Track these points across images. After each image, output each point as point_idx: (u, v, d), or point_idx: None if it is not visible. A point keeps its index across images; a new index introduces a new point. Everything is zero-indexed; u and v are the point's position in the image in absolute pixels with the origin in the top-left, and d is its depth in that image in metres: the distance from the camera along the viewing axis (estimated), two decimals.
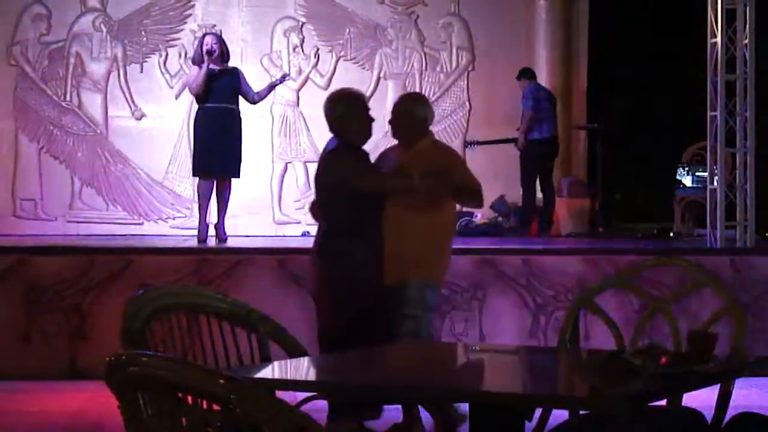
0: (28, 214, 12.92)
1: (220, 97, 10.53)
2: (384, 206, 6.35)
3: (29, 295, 9.03)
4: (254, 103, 10.85)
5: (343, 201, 6.31)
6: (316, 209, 6.56)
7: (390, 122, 6.57)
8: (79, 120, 12.97)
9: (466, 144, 13.05)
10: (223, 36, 12.95)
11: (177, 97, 12.84)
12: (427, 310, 6.37)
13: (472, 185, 6.45)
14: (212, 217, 11.06)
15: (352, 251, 6.26)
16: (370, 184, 6.34)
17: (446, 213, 6.53)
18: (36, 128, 12.98)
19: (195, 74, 10.64)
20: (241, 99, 10.70)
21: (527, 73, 12.57)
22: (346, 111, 6.47)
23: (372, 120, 6.53)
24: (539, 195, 12.44)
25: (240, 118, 10.63)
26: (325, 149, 6.60)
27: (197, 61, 10.67)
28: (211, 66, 10.53)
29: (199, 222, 10.80)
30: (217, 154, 10.53)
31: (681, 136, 12.68)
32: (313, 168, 12.77)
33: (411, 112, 6.54)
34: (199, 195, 10.88)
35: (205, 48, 10.59)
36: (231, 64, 10.89)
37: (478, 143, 12.89)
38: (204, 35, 11.05)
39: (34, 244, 10.19)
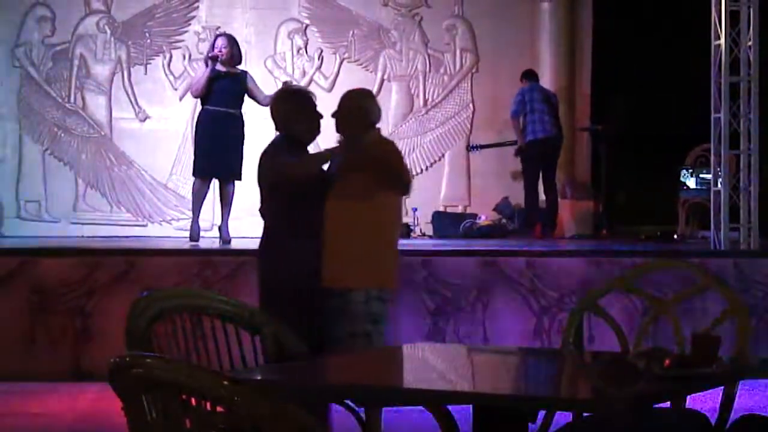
0: (32, 216, 12.93)
1: (221, 101, 10.50)
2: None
3: (33, 296, 9.04)
4: (264, 105, 10.86)
5: (283, 197, 6.19)
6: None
7: (333, 115, 6.45)
8: (83, 122, 12.99)
9: (469, 148, 13.05)
10: None
11: (181, 98, 12.84)
12: (379, 323, 6.01)
13: (398, 169, 6.20)
14: (216, 218, 11.08)
15: (292, 251, 6.14)
16: (296, 169, 6.23)
17: (387, 202, 6.20)
18: (40, 130, 12.99)
19: (199, 76, 10.64)
20: (247, 102, 10.67)
21: (525, 75, 12.57)
22: (291, 109, 6.41)
23: (320, 116, 6.45)
24: (542, 197, 12.44)
25: (242, 123, 10.58)
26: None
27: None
28: (218, 68, 10.51)
29: (192, 221, 10.78)
30: (216, 156, 10.50)
31: (685, 138, 12.68)
32: None
33: (354, 107, 6.41)
34: (193, 195, 10.85)
35: (212, 52, 10.57)
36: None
37: (481, 147, 12.89)
38: (216, 37, 11.02)
39: (39, 246, 10.21)
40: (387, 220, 6.27)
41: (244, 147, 10.58)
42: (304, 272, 6.04)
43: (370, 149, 6.19)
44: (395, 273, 6.30)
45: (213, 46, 10.68)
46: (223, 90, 10.50)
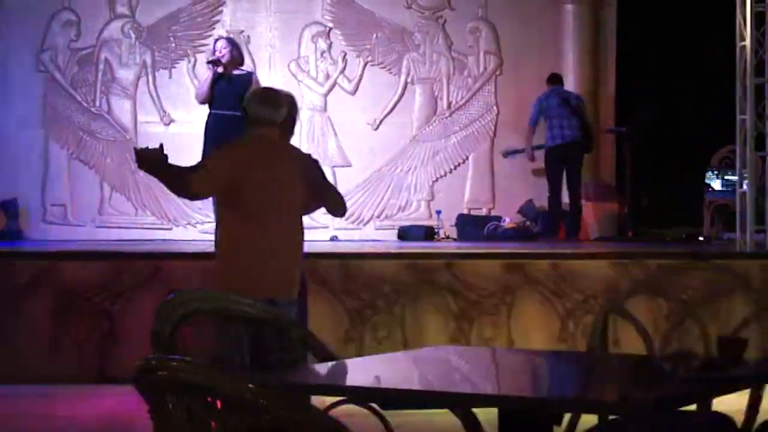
0: (58, 220, 12.98)
1: (223, 104, 10.37)
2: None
3: (59, 300, 9.07)
4: None
5: None
6: None
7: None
8: (108, 126, 13.04)
9: (505, 154, 13.01)
10: (251, 41, 13.01)
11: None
12: None
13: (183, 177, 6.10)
14: None
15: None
16: None
17: (223, 209, 6.16)
18: (66, 134, 13.05)
19: (202, 81, 10.56)
20: None
21: (548, 79, 12.53)
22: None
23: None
24: (567, 199, 12.41)
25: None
26: None
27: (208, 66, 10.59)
28: (220, 70, 10.43)
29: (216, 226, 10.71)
30: None
31: (710, 140, 12.64)
32: (341, 173, 12.92)
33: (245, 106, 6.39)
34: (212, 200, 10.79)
35: (213, 56, 10.51)
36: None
37: (517, 152, 12.84)
38: (216, 41, 10.97)
39: (64, 250, 10.24)
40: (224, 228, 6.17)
41: None
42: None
43: None
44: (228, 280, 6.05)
45: (213, 50, 10.65)
46: (226, 93, 10.39)
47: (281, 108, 6.19)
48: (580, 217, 12.44)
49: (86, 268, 9.19)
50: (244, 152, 6.17)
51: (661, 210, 13.63)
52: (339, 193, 6.42)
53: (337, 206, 6.31)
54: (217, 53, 10.52)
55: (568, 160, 12.27)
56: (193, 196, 6.37)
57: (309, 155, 6.42)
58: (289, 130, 6.33)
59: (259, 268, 5.98)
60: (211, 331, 4.39)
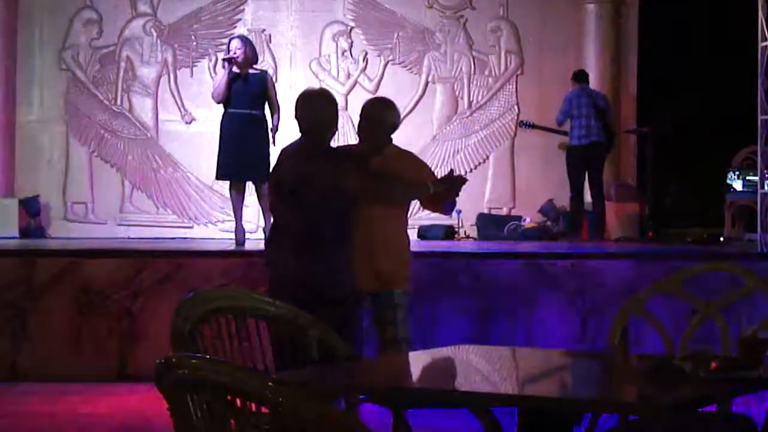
0: (79, 218, 13.03)
1: (240, 103, 10.34)
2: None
3: (80, 297, 9.10)
4: (276, 109, 10.54)
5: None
6: None
7: (360, 124, 6.58)
8: (129, 124, 13.08)
9: (521, 124, 13.03)
10: (272, 40, 13.03)
11: None
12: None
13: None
14: (261, 220, 11.09)
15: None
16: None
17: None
18: (87, 132, 13.10)
19: (218, 80, 10.51)
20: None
21: (575, 76, 12.49)
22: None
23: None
24: (589, 199, 12.38)
25: (263, 123, 10.40)
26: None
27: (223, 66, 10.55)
28: (235, 70, 10.40)
29: (236, 225, 10.71)
30: (236, 159, 10.36)
31: (731, 140, 12.60)
32: None
33: (383, 117, 6.48)
34: (231, 200, 10.77)
35: (227, 54, 10.47)
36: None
37: (533, 126, 12.84)
38: (230, 40, 10.92)
39: (85, 248, 10.27)
40: None
41: (270, 147, 10.31)
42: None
43: None
44: None
45: (228, 49, 10.59)
46: (241, 92, 10.35)
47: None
48: (603, 217, 12.41)
49: (107, 266, 9.22)
50: None
51: (683, 210, 13.60)
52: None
53: None
54: (232, 52, 10.49)
55: (590, 160, 12.24)
56: None
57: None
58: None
59: None
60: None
